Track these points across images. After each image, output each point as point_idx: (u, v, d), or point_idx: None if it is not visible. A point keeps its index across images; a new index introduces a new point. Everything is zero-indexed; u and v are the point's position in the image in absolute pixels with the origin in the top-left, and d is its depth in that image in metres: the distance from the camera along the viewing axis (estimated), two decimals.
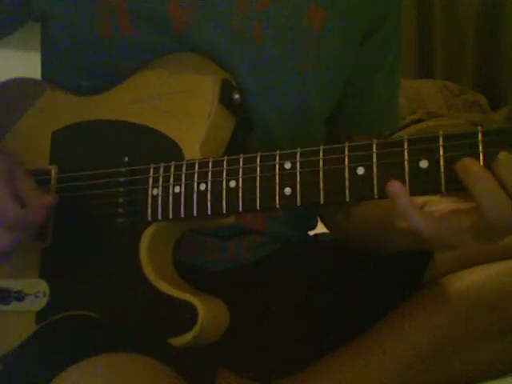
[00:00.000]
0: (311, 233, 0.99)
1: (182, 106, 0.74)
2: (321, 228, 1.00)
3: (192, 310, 0.68)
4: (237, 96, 0.75)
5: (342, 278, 0.88)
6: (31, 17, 0.84)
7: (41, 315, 0.75)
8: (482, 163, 0.57)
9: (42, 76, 0.91)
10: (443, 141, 0.58)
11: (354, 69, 0.88)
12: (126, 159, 0.74)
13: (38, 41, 0.90)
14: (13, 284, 0.77)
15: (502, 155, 0.56)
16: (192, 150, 0.72)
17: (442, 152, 0.58)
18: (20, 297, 0.77)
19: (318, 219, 0.99)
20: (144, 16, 0.77)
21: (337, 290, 0.87)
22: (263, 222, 0.87)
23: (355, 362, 0.80)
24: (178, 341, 0.68)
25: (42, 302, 0.76)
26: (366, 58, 0.88)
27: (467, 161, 0.57)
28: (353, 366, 0.80)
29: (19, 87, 0.86)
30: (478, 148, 0.57)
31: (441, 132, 0.58)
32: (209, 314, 0.68)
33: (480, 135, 0.57)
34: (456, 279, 0.82)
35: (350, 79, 0.88)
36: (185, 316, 0.68)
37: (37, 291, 0.76)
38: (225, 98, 0.73)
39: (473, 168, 0.56)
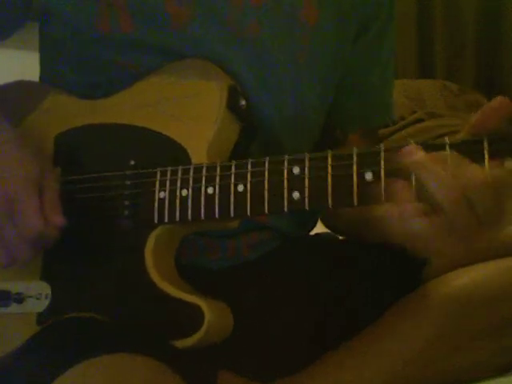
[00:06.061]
0: (312, 232, 0.99)
1: (188, 111, 0.75)
2: (321, 228, 1.01)
3: (198, 312, 0.68)
4: (243, 102, 0.75)
5: (340, 277, 0.88)
6: (31, 16, 0.84)
7: (42, 317, 0.75)
8: None
9: (41, 75, 0.91)
10: (450, 149, 0.58)
11: (348, 66, 0.90)
12: (132, 162, 0.74)
13: (38, 41, 0.90)
14: (13, 286, 0.77)
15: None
16: (199, 154, 0.72)
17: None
18: (20, 299, 0.76)
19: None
20: (142, 12, 0.78)
21: (336, 289, 0.87)
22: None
23: (353, 362, 0.80)
24: (183, 343, 0.68)
25: (44, 304, 0.75)
26: (360, 56, 0.91)
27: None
28: (351, 365, 0.80)
29: (23, 89, 0.86)
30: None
31: (447, 140, 0.58)
32: (215, 317, 0.68)
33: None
34: (453, 277, 0.82)
35: (344, 75, 0.90)
36: (191, 318, 0.68)
37: (38, 293, 0.76)
38: (231, 104, 0.74)
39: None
